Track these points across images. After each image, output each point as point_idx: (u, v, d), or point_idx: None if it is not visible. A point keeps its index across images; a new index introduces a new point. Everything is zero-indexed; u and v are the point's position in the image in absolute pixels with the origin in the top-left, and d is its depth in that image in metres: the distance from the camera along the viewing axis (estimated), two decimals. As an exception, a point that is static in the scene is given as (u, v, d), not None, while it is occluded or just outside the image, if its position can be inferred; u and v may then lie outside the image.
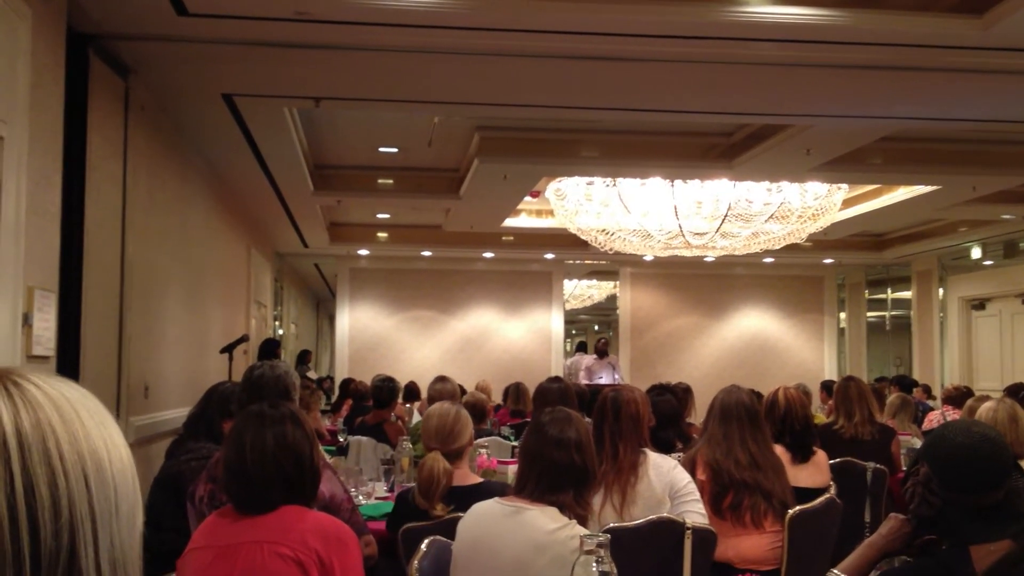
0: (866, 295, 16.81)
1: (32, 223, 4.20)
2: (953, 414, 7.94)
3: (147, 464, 5.68)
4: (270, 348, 11.34)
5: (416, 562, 3.05)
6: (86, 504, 0.95)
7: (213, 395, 4.46)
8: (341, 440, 7.18)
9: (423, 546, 3.11)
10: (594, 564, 2.31)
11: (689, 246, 11.12)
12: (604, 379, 13.43)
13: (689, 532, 3.57)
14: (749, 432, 4.27)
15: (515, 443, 6.43)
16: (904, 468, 5.65)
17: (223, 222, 9.79)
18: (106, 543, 0.96)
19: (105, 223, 5.56)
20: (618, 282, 16.64)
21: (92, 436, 0.98)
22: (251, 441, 2.73)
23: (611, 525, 3.52)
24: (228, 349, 8.40)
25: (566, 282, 17.76)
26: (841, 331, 16.98)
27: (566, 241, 13.39)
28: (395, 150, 9.76)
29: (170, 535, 3.75)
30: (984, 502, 2.42)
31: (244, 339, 9.29)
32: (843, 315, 17.09)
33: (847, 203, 11.38)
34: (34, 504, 0.91)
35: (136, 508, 1.03)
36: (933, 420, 8.45)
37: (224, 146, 8.18)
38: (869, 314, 16.90)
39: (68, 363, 4.88)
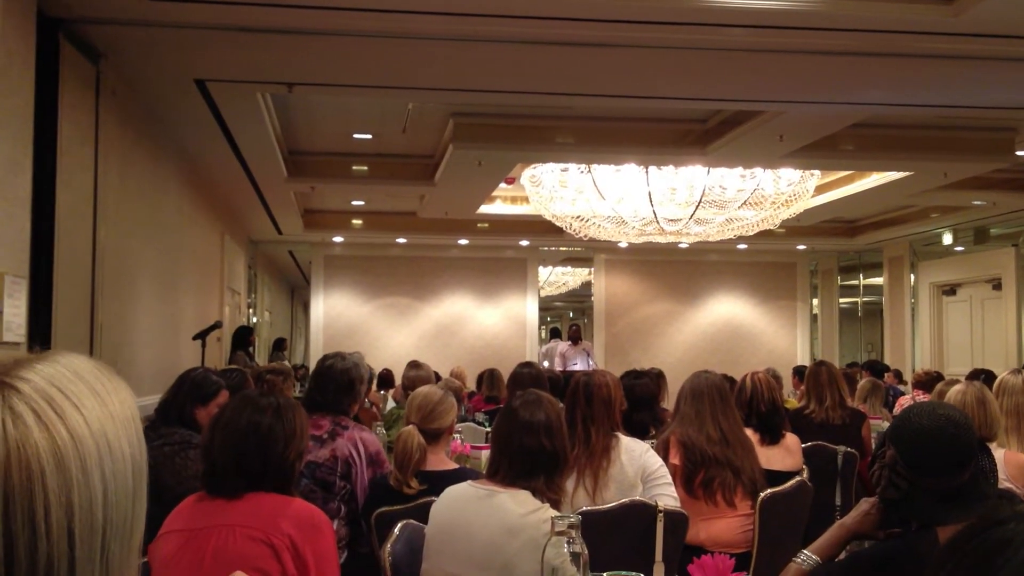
0: (838, 281, 16.93)
1: (2, 209, 4.17)
2: (923, 398, 8.01)
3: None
4: (243, 336, 11.31)
5: (389, 546, 3.06)
6: (66, 561, 0.91)
7: (185, 381, 4.44)
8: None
9: (396, 530, 3.12)
10: (565, 545, 2.32)
11: (663, 232, 11.15)
12: (578, 365, 13.46)
13: (661, 515, 3.60)
14: (720, 409, 4.34)
15: (489, 429, 6.45)
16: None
17: (196, 208, 9.73)
18: None
19: (76, 209, 5.52)
20: (593, 269, 16.67)
21: (90, 474, 0.94)
22: (224, 424, 2.75)
23: (584, 508, 3.54)
24: (201, 336, 8.37)
25: (541, 269, 17.77)
26: (814, 317, 17.09)
27: (541, 228, 13.40)
28: (369, 136, 9.73)
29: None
30: (949, 484, 2.45)
31: (217, 326, 9.26)
32: (815, 301, 17.19)
33: (820, 189, 11.44)
34: (11, 565, 0.88)
35: (134, 532, 1.00)
36: (904, 404, 8.52)
37: (197, 132, 8.13)
38: (841, 300, 17.01)
39: (40, 350, 4.84)
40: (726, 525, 4.20)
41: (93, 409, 0.97)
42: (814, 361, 7.42)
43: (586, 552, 2.36)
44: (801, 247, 15.90)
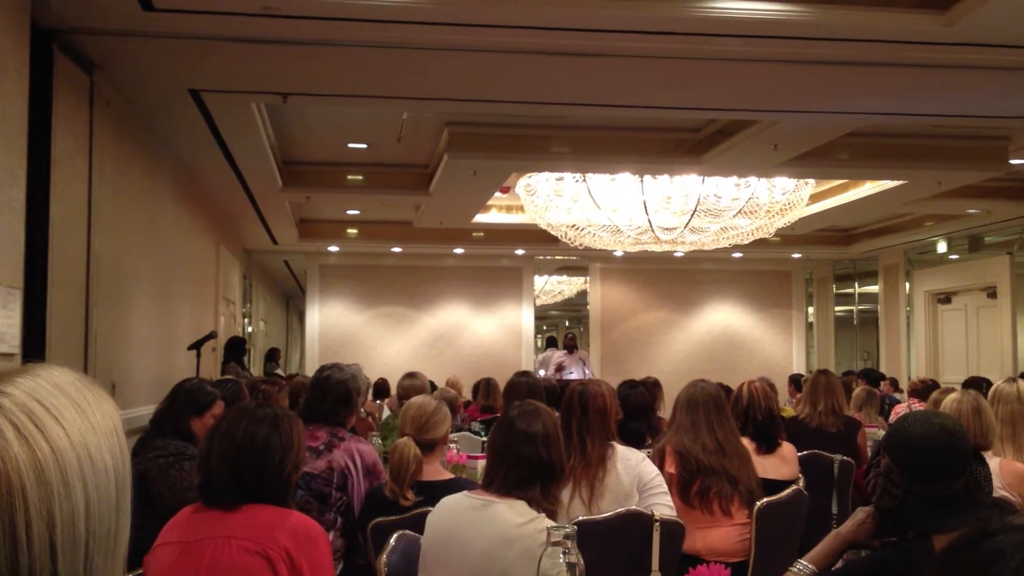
0: (833, 289, 16.95)
1: (-4, 219, 4.16)
2: (919, 407, 8.01)
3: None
4: (236, 346, 11.29)
5: (385, 556, 3.05)
6: (49, 574, 0.92)
7: (180, 392, 4.43)
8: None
9: (392, 540, 3.11)
10: (561, 555, 2.32)
11: (658, 241, 11.16)
12: (574, 374, 13.46)
13: (657, 524, 3.59)
14: (715, 419, 4.34)
15: (485, 438, 6.45)
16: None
17: (191, 218, 9.73)
18: None
19: (71, 219, 5.51)
20: (588, 277, 16.67)
21: (72, 486, 0.94)
22: (221, 435, 2.74)
23: (580, 518, 3.53)
24: (196, 346, 8.36)
25: (536, 278, 17.77)
26: (809, 325, 17.10)
27: (536, 237, 13.40)
28: (364, 146, 9.73)
29: (136, 533, 3.73)
30: (944, 492, 2.45)
31: (212, 336, 9.24)
32: (811, 309, 17.21)
33: (814, 198, 11.46)
34: None
35: (118, 543, 1.00)
36: (899, 413, 8.52)
37: (191, 142, 8.13)
38: (837, 308, 17.03)
39: (33, 361, 4.83)
40: (723, 534, 4.20)
41: (74, 422, 0.97)
42: (811, 370, 7.43)
43: (582, 562, 2.36)
44: (796, 255, 15.91)
